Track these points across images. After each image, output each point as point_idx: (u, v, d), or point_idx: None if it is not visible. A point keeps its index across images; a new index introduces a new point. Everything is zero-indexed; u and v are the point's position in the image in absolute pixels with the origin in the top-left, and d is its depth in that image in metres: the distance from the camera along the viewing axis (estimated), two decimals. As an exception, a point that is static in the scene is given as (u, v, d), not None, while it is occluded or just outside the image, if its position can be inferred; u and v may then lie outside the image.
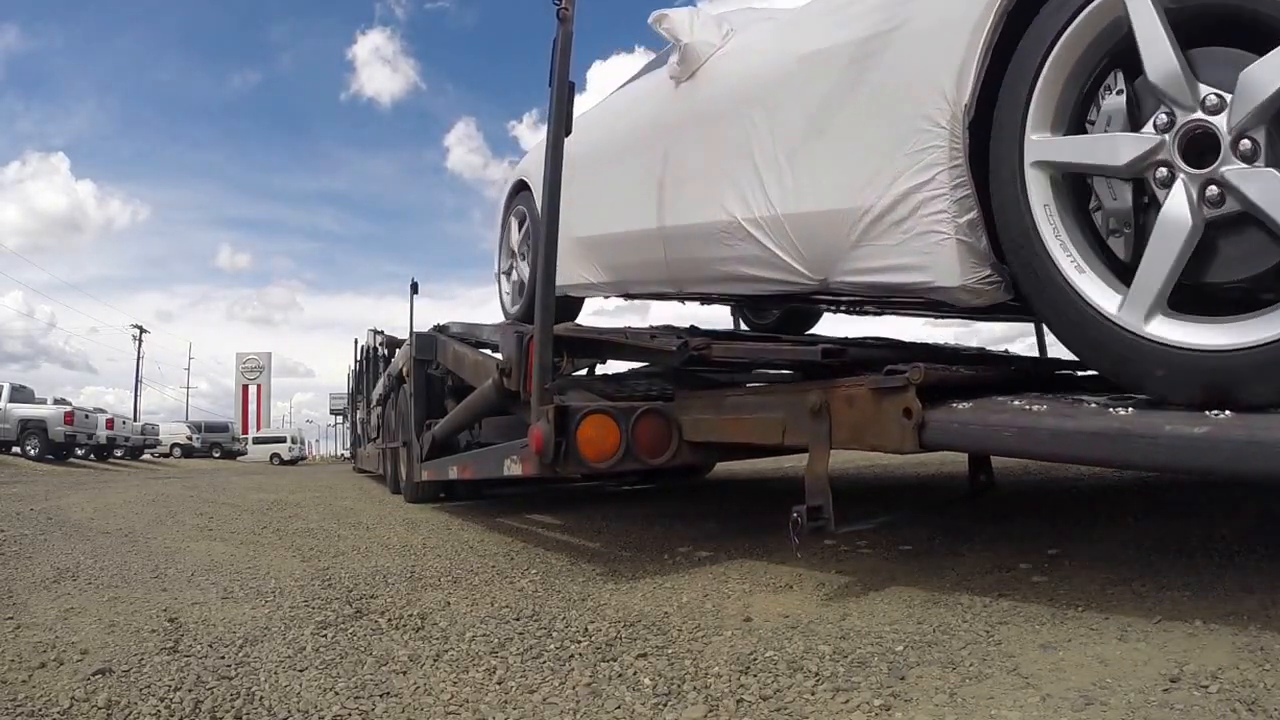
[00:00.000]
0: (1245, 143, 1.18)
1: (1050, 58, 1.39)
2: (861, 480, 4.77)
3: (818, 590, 1.91)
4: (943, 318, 4.05)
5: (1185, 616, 1.38)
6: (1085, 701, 1.08)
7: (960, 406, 1.55)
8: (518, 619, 1.88)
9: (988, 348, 3.99)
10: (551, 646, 1.64)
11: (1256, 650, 1.19)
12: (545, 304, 2.26)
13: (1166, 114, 1.27)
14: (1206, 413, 1.19)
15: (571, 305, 3.71)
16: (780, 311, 4.27)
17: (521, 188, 3.78)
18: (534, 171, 3.43)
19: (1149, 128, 1.29)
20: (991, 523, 2.67)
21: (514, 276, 3.97)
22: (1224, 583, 1.56)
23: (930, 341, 3.63)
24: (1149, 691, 1.09)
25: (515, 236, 3.87)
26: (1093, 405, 1.36)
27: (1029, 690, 1.16)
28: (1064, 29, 1.37)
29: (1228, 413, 1.17)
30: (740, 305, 4.38)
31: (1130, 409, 1.29)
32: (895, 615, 1.62)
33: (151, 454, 21.86)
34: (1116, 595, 1.57)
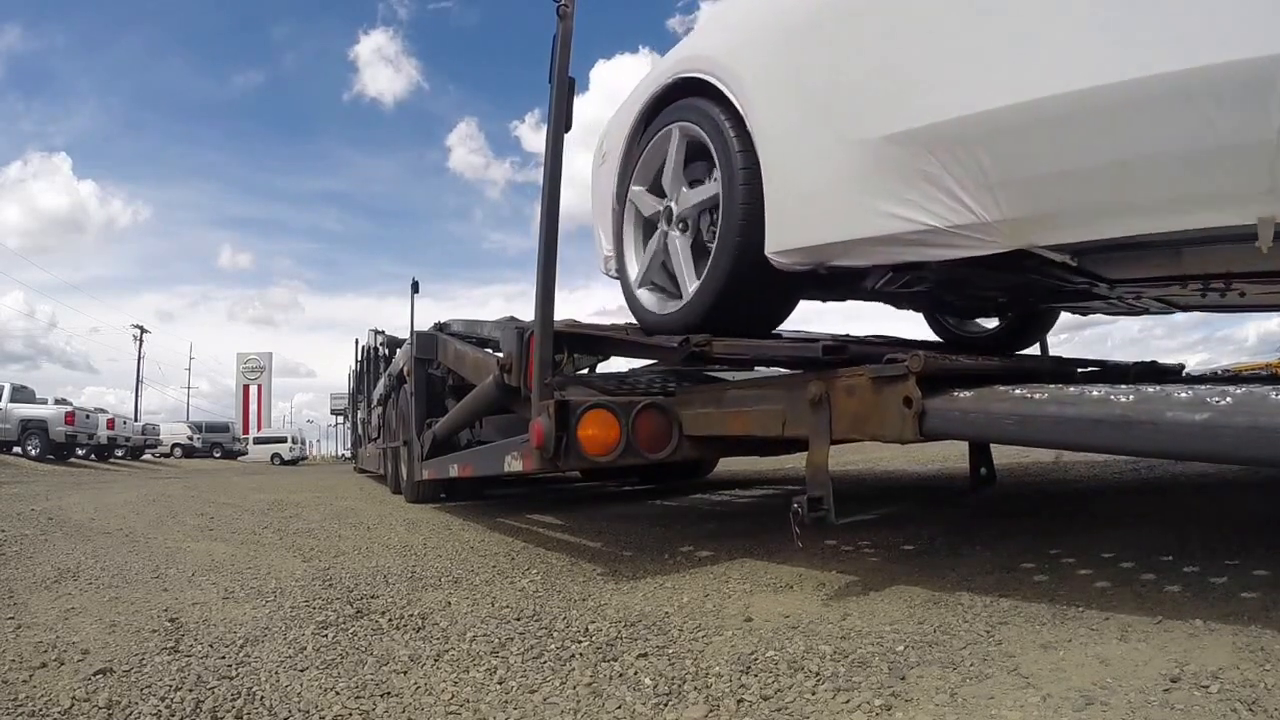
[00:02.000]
0: None
1: None
2: (862, 481, 4.77)
3: (819, 590, 1.91)
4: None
5: (1185, 616, 1.38)
6: (1086, 701, 1.08)
7: (961, 395, 1.54)
8: (519, 619, 1.88)
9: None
10: (552, 646, 1.64)
11: (1257, 650, 1.19)
12: (546, 298, 2.26)
13: None
14: (1208, 399, 1.18)
15: (784, 291, 2.23)
16: (1010, 320, 3.11)
17: (691, 90, 2.28)
18: (729, 61, 2.09)
19: None
20: (993, 522, 2.67)
21: (664, 243, 2.42)
22: (1224, 583, 1.56)
23: (932, 339, 3.62)
24: (1149, 691, 1.09)
25: (670, 172, 2.38)
26: (1094, 394, 1.35)
27: (1029, 690, 1.16)
28: None
29: (1229, 399, 1.17)
30: (941, 311, 3.29)
31: (1132, 397, 1.28)
32: (896, 615, 1.62)
33: (152, 454, 21.89)
34: (1117, 595, 1.57)
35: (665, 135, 2.41)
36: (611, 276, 2.77)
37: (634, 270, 2.62)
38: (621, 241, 2.66)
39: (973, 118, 1.48)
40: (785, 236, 1.91)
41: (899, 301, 2.88)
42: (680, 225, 2.37)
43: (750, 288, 2.10)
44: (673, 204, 2.40)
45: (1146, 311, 2.89)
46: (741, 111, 2.01)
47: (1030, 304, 2.81)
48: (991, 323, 3.36)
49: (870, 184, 1.68)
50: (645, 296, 2.56)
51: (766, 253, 1.94)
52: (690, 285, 2.28)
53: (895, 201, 1.63)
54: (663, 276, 2.53)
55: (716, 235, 2.13)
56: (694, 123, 2.24)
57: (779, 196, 1.92)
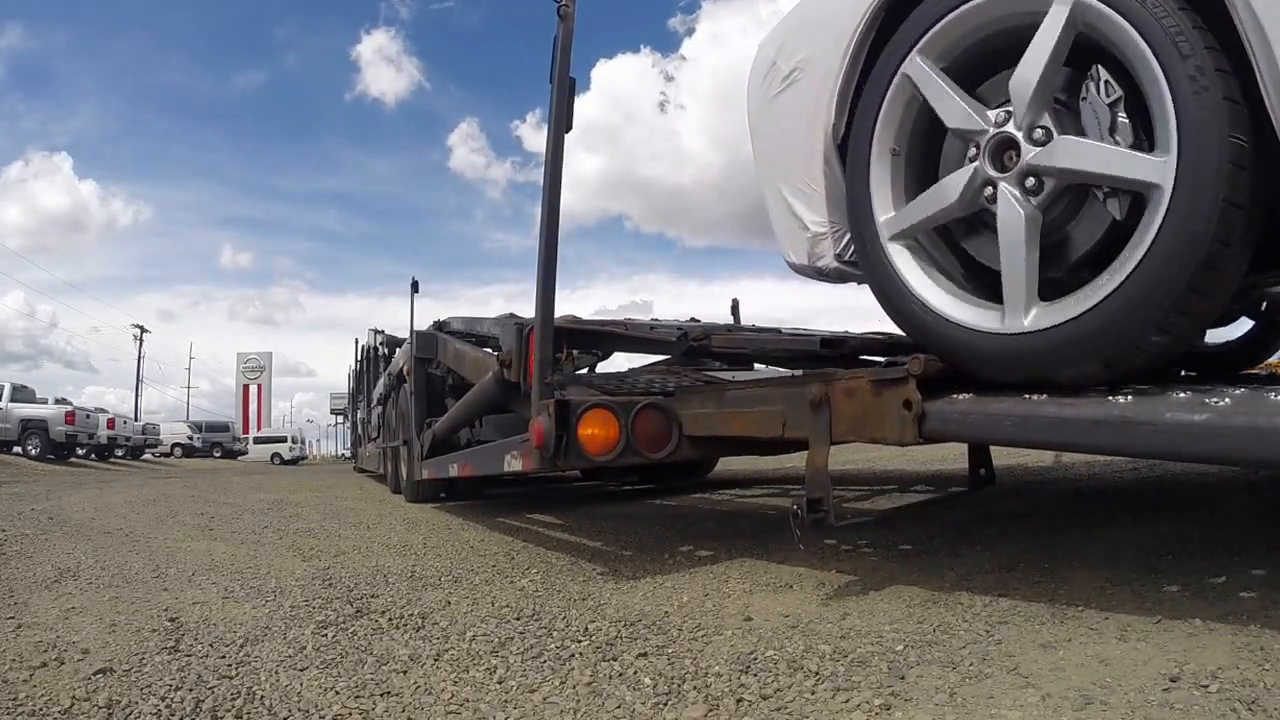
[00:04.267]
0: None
1: None
2: (862, 481, 4.77)
3: (818, 590, 1.91)
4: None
5: (1185, 616, 1.38)
6: (1085, 701, 1.08)
7: (960, 397, 1.55)
8: (518, 618, 1.88)
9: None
10: (552, 646, 1.64)
11: (1256, 650, 1.19)
12: (547, 296, 2.26)
13: None
14: (1207, 400, 1.18)
15: None
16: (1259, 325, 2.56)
17: None
18: None
19: None
20: (992, 522, 2.67)
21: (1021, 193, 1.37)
22: (1224, 583, 1.56)
23: None
24: (1149, 691, 1.09)
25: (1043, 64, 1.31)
26: (1093, 394, 1.35)
27: (1029, 690, 1.16)
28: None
29: (1228, 400, 1.16)
30: None
31: (1131, 397, 1.28)
32: (895, 615, 1.62)
33: (152, 454, 21.89)
34: (1116, 595, 1.57)
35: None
36: (822, 273, 1.82)
37: (903, 252, 1.61)
38: (868, 194, 1.61)
39: None
40: None
41: None
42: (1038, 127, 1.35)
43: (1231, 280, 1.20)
44: (1013, 127, 1.37)
45: None
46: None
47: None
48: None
49: None
50: (941, 300, 1.54)
51: None
52: (1103, 279, 1.30)
53: None
54: (952, 260, 1.58)
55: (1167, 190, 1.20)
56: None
57: None
